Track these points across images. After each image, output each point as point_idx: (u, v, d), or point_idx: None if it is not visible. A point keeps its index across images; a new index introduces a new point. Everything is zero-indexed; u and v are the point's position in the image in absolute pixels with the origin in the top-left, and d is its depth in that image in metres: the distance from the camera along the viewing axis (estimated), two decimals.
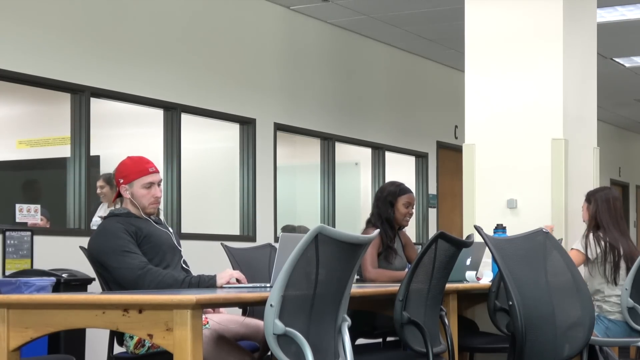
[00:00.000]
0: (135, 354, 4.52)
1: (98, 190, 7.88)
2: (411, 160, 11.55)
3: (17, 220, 6.70)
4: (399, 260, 6.18)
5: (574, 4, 6.98)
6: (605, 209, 6.01)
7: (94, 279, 6.12)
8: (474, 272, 5.61)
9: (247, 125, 8.88)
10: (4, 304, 3.59)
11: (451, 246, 4.44)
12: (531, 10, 6.92)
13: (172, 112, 8.03)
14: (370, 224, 6.24)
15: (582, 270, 5.94)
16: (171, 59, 8.02)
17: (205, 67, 8.40)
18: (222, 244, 5.57)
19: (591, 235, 5.96)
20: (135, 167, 4.75)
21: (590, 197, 6.14)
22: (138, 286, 4.48)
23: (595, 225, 6.01)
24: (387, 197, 6.21)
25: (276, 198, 9.16)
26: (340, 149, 10.24)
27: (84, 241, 5.11)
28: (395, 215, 6.19)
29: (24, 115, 9.30)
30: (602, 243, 5.90)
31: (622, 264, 5.92)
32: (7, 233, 6.48)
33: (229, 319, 4.73)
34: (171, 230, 4.89)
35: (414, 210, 6.35)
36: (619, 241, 5.92)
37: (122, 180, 4.74)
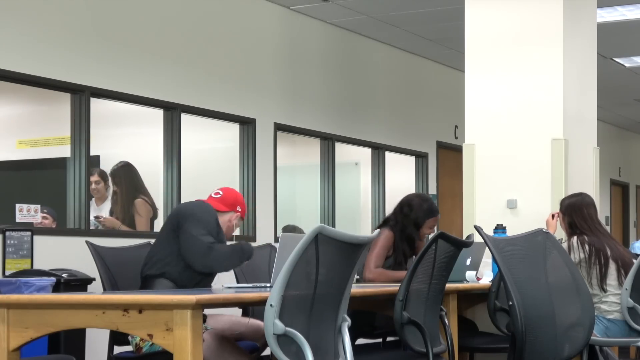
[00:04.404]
0: (140, 347, 4.54)
1: (93, 186, 7.84)
2: (411, 160, 11.53)
3: (17, 220, 6.69)
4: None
5: (574, 4, 6.98)
6: (580, 218, 5.94)
7: (94, 279, 6.12)
8: (474, 272, 5.61)
9: (247, 125, 8.87)
10: (4, 304, 3.59)
11: (451, 246, 4.44)
12: (531, 11, 6.91)
13: (172, 112, 8.03)
14: (387, 226, 5.93)
15: None
16: (171, 59, 8.02)
17: (205, 67, 8.39)
18: None
19: (574, 238, 5.87)
20: (244, 207, 5.15)
21: (562, 206, 6.08)
22: (200, 259, 4.72)
23: (574, 233, 5.94)
24: (416, 218, 5.91)
25: (276, 198, 9.16)
26: (340, 149, 10.23)
27: (84, 241, 5.12)
28: (419, 235, 5.95)
29: (24, 115, 9.29)
30: (587, 247, 5.81)
31: (612, 265, 5.84)
32: (7, 233, 6.47)
33: (229, 319, 4.74)
34: None
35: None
36: (604, 243, 5.85)
37: (239, 209, 5.09)
